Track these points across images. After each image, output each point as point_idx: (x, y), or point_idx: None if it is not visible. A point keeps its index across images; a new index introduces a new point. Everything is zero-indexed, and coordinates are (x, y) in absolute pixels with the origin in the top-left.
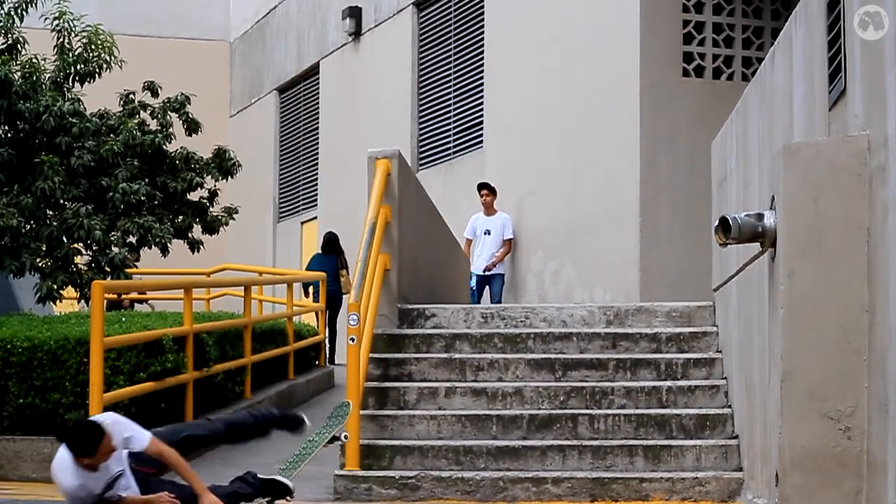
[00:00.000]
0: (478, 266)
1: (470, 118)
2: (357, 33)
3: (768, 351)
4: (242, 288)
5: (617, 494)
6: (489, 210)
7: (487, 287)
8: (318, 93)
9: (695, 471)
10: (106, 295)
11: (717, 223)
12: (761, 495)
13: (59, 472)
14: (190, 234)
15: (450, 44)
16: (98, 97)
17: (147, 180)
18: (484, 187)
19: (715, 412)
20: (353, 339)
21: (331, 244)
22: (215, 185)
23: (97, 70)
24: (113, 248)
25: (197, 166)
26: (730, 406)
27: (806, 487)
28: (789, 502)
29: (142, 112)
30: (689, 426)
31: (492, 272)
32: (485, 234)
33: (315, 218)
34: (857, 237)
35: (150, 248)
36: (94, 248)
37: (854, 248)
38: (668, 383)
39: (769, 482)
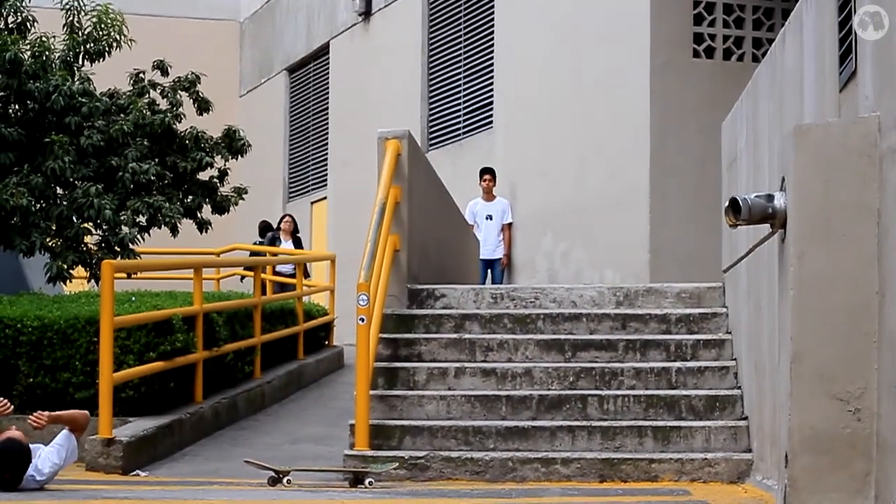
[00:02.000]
0: (483, 251)
1: (480, 99)
2: (367, 13)
3: (778, 332)
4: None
5: (626, 475)
6: (489, 195)
7: (489, 271)
8: (327, 73)
9: (704, 452)
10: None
11: (727, 204)
12: (770, 476)
13: None
14: (199, 214)
15: (460, 24)
16: (108, 77)
17: (157, 160)
18: (487, 172)
19: (724, 393)
20: (362, 320)
21: (267, 232)
22: (225, 165)
23: (107, 49)
24: (123, 228)
25: (207, 146)
26: (739, 387)
27: (815, 469)
28: (798, 483)
29: (151, 91)
30: (698, 407)
31: (493, 256)
32: (487, 219)
33: (325, 198)
34: (867, 219)
35: (159, 227)
36: (104, 227)
37: (864, 229)
38: (678, 364)
39: (778, 463)
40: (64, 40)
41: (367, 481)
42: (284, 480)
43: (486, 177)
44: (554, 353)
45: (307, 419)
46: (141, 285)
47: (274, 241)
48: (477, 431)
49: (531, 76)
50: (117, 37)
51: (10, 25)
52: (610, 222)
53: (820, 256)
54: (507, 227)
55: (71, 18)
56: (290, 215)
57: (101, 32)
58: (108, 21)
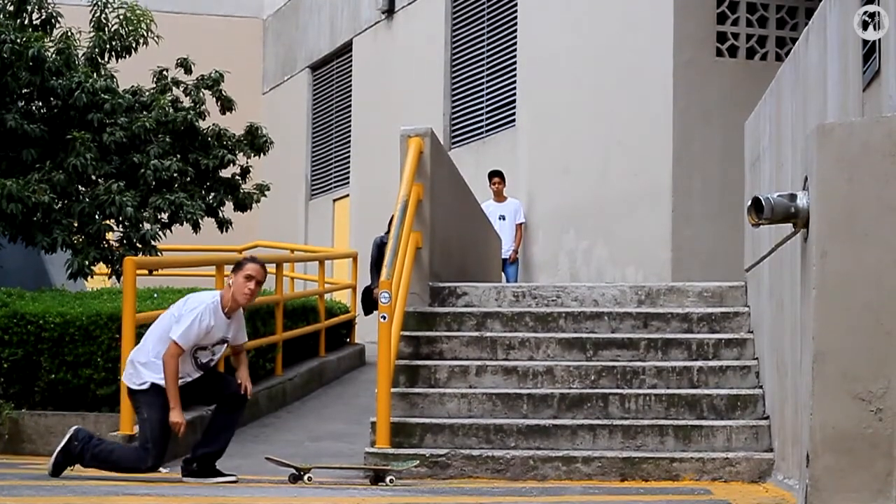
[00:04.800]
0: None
1: (502, 96)
2: (390, 11)
3: (800, 332)
4: (274, 265)
5: (647, 474)
6: (500, 197)
7: (503, 271)
8: (350, 70)
9: (725, 451)
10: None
11: (749, 203)
12: (792, 476)
13: (203, 307)
14: (220, 212)
15: (483, 22)
16: (131, 74)
17: (179, 157)
18: (496, 175)
19: (746, 392)
20: (384, 317)
21: None
22: (247, 162)
23: (133, 46)
24: (144, 225)
25: (229, 143)
26: (761, 386)
27: (836, 469)
28: (820, 483)
29: (175, 89)
30: (719, 406)
31: (507, 256)
32: (500, 219)
33: (347, 196)
34: (890, 218)
35: (181, 224)
36: (126, 224)
37: (887, 228)
38: (700, 363)
39: (800, 463)
40: (91, 37)
41: (387, 479)
42: (305, 478)
43: (496, 179)
44: (575, 351)
45: (328, 416)
46: (163, 282)
47: (383, 247)
48: (498, 430)
49: (554, 74)
50: (144, 34)
51: (35, 22)
52: (632, 220)
53: (842, 256)
54: (520, 227)
55: (98, 15)
56: None
57: (127, 29)
58: (135, 18)
